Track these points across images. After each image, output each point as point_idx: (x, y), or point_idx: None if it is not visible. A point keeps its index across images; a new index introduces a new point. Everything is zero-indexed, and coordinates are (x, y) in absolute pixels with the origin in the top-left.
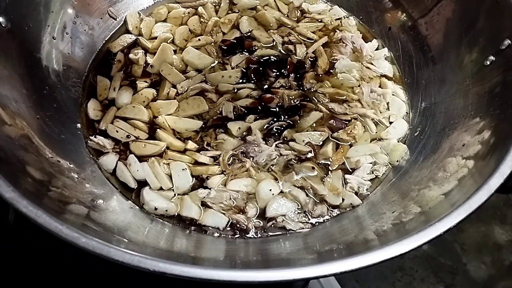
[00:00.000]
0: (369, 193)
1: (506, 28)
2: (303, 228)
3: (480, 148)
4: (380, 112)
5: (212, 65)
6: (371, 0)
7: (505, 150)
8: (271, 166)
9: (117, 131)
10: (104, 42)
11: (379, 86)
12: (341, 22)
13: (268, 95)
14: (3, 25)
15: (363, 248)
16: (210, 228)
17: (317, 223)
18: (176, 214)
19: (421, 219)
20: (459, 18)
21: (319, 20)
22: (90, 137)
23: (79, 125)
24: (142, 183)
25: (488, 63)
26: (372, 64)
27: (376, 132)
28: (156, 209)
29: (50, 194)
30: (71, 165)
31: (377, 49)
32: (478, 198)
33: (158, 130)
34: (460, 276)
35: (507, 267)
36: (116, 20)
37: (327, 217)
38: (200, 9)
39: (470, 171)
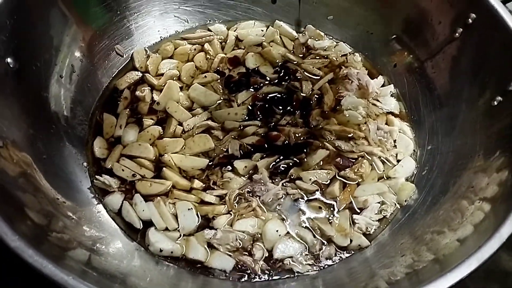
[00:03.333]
0: (377, 234)
1: None
2: (310, 271)
3: (492, 191)
4: (387, 150)
5: (218, 102)
6: (376, 38)
7: None
8: (277, 206)
9: (123, 170)
10: (110, 79)
11: (386, 123)
12: (346, 58)
13: (275, 133)
14: (11, 66)
15: None
16: (216, 270)
17: (325, 266)
18: (182, 256)
19: (435, 268)
20: (466, 60)
21: (325, 56)
22: (96, 176)
23: (85, 164)
24: (148, 224)
25: (495, 103)
26: (378, 100)
27: (384, 171)
28: (161, 250)
29: (50, 238)
30: (76, 206)
31: (383, 85)
32: (489, 248)
33: (164, 168)
34: None
35: None
36: (123, 57)
37: (335, 259)
38: (206, 45)
39: (486, 216)
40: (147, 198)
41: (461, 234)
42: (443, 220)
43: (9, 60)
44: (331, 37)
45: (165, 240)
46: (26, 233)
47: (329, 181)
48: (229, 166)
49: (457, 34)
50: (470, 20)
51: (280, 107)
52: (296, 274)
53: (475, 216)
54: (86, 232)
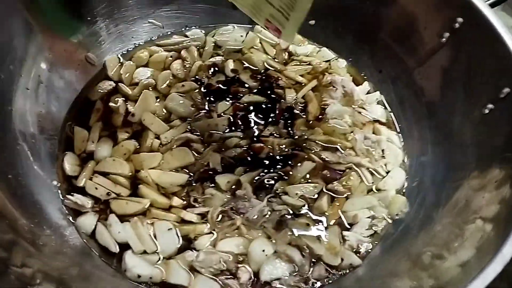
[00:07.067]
0: (369, 251)
1: (505, 76)
2: None
3: (489, 208)
4: (376, 160)
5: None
6: (360, 42)
7: None
8: (263, 223)
9: (96, 188)
10: (81, 89)
11: (373, 133)
12: (330, 64)
13: (258, 145)
14: None
15: None
16: None
17: (315, 287)
18: (162, 281)
19: None
20: (454, 66)
21: (307, 63)
22: (67, 195)
23: (55, 182)
24: (125, 246)
25: (486, 111)
26: (364, 108)
27: (373, 183)
28: (139, 276)
29: (11, 272)
30: (44, 230)
31: (368, 92)
32: (492, 270)
33: (140, 185)
34: None
35: None
36: (94, 65)
37: (326, 279)
38: (183, 52)
39: (487, 235)
40: (123, 218)
41: (462, 257)
42: (442, 242)
43: None
44: (314, 42)
45: (143, 264)
46: None
47: (316, 195)
48: (210, 181)
49: (443, 39)
50: (457, 25)
51: (263, 117)
52: None
53: (475, 237)
54: (53, 261)
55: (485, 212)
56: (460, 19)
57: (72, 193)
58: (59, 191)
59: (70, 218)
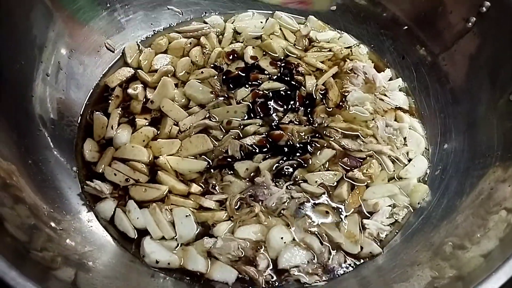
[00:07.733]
0: (389, 239)
1: None
2: (318, 281)
3: None
4: (397, 148)
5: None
6: (383, 28)
7: None
8: (282, 210)
9: (115, 174)
10: (101, 76)
11: (395, 120)
12: (351, 50)
13: (277, 132)
14: None
15: None
16: (218, 283)
17: (334, 275)
18: (180, 267)
19: (457, 286)
20: (480, 51)
21: (328, 49)
22: (87, 181)
23: (74, 168)
24: (143, 232)
25: None
26: (385, 95)
27: (394, 171)
28: (157, 262)
29: (32, 256)
30: (64, 215)
31: (390, 79)
32: None
33: (159, 172)
34: None
35: None
36: (113, 52)
37: (345, 268)
38: (202, 39)
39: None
40: (142, 204)
41: (485, 247)
42: (464, 232)
43: None
44: (335, 28)
45: (161, 250)
46: (5, 252)
47: (336, 183)
48: (229, 168)
49: (470, 24)
50: (484, 9)
51: (282, 104)
52: (303, 285)
53: (499, 227)
54: (73, 245)
55: (510, 203)
56: (487, 3)
57: (91, 179)
58: (78, 178)
59: (90, 204)
